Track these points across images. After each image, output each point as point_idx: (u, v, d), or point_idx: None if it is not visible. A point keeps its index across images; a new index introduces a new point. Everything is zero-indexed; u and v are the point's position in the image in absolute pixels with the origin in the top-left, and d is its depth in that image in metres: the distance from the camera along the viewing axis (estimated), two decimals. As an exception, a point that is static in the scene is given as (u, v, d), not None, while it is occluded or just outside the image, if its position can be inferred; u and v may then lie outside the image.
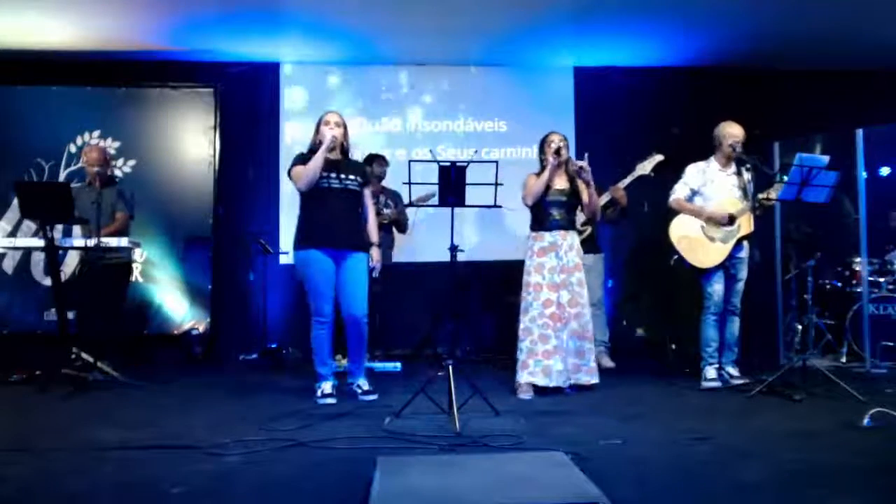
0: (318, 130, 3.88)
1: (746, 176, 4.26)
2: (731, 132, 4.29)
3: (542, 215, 4.19)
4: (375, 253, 4.02)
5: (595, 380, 4.14)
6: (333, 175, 3.81)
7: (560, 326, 4.04)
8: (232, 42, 5.92)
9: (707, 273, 4.29)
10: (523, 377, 4.02)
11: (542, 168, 4.21)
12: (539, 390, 4.00)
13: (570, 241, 4.16)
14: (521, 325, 4.11)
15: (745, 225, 4.20)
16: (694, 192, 4.38)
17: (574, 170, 4.13)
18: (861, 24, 5.55)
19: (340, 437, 2.92)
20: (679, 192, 4.40)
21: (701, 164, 4.41)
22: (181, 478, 2.37)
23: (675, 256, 4.39)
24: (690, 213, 4.33)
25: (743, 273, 4.34)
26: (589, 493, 1.94)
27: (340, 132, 3.86)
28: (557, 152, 4.13)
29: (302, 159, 3.84)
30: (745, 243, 4.31)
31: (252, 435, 2.96)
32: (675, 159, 4.77)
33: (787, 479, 2.35)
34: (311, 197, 3.83)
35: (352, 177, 3.89)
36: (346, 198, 3.87)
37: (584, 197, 4.18)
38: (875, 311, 5.15)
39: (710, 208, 4.28)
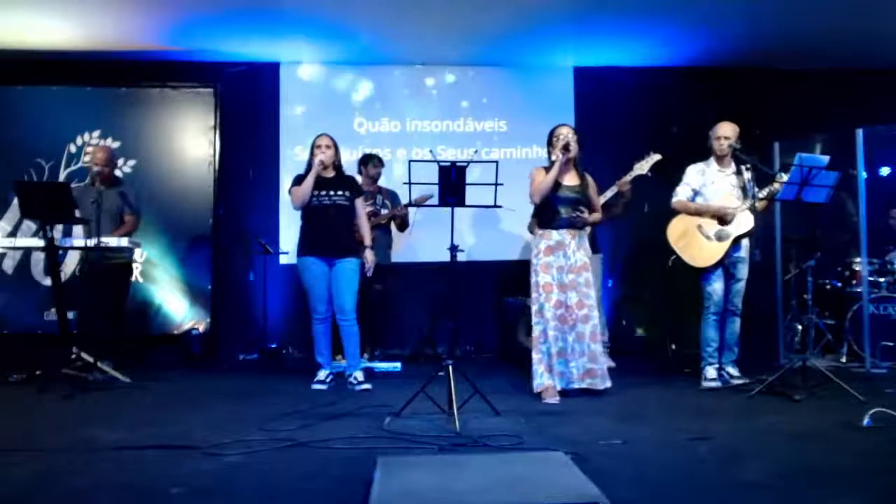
0: (312, 152, 4.32)
1: (746, 175, 4.26)
2: (720, 130, 4.33)
3: (550, 213, 3.99)
4: (369, 255, 4.41)
5: (608, 383, 3.95)
6: (324, 193, 4.29)
7: (567, 329, 3.91)
8: (232, 42, 5.91)
9: (706, 273, 4.29)
10: (545, 380, 3.84)
11: (551, 163, 3.99)
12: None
13: (578, 240, 4.00)
14: (540, 328, 3.92)
15: (744, 223, 4.20)
16: (696, 193, 4.39)
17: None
18: (861, 24, 5.54)
19: (340, 437, 2.92)
20: (681, 194, 4.41)
21: (700, 165, 4.42)
22: (181, 478, 2.37)
23: (673, 257, 4.39)
24: (695, 212, 4.33)
25: (743, 273, 4.34)
26: (589, 493, 1.95)
27: (331, 153, 4.31)
28: (566, 147, 3.91)
29: (298, 181, 4.33)
30: (745, 242, 4.32)
31: (252, 435, 2.97)
32: (674, 159, 4.77)
33: (787, 479, 2.35)
34: (307, 212, 4.34)
35: (340, 192, 4.33)
36: (336, 212, 4.31)
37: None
38: (875, 311, 5.14)
39: (714, 204, 4.29)
